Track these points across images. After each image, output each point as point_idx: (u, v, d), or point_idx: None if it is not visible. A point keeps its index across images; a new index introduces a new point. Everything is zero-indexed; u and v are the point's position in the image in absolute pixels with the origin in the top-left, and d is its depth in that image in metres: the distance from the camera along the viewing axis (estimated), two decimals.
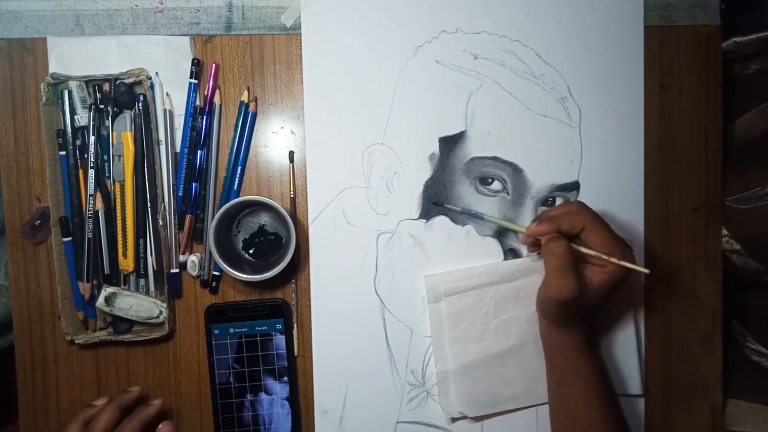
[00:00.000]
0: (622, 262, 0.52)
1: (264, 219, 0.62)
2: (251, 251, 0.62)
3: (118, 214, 0.59)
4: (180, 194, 0.60)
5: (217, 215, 0.56)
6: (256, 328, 0.61)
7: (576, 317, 0.56)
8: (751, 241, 0.61)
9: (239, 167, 0.61)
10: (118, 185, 0.59)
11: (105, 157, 0.59)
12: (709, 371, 0.64)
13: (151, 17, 0.61)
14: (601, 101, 0.62)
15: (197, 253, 0.61)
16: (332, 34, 0.61)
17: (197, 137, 0.60)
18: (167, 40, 0.60)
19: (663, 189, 0.63)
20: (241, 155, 0.61)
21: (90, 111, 0.58)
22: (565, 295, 0.53)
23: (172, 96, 0.60)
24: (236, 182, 0.61)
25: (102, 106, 0.59)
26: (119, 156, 0.58)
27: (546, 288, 0.55)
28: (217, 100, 0.60)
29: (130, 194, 0.59)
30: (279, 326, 0.61)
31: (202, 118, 0.60)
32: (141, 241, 0.59)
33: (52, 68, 0.60)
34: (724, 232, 0.63)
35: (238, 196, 0.61)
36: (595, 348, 0.58)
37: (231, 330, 0.61)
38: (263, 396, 0.61)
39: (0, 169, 0.61)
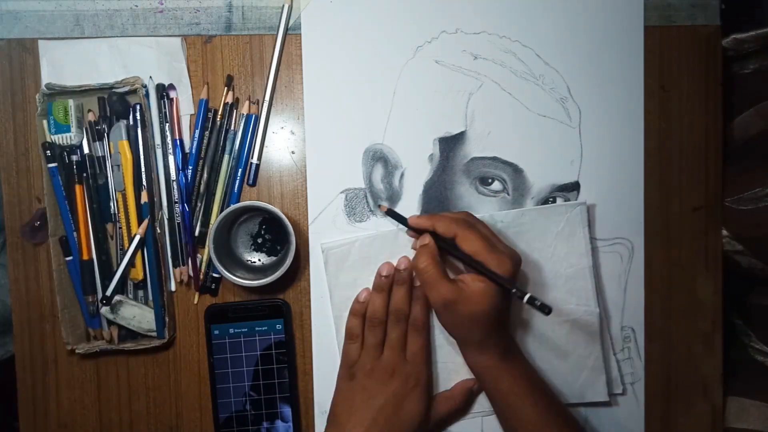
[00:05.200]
0: (489, 271, 0.51)
1: (265, 217, 0.62)
2: (256, 248, 0.62)
3: (123, 224, 0.59)
4: (184, 196, 0.60)
5: (216, 222, 0.56)
6: (256, 329, 0.61)
7: (473, 333, 0.54)
8: (753, 241, 0.61)
9: (239, 169, 0.61)
10: (120, 195, 0.59)
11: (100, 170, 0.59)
12: (709, 371, 0.64)
13: (150, 17, 0.61)
14: (601, 101, 0.62)
15: (197, 255, 0.61)
16: (332, 34, 0.61)
17: (207, 147, 0.60)
18: (159, 41, 0.60)
19: (663, 189, 0.63)
20: (242, 158, 0.61)
21: (86, 134, 0.59)
22: (438, 302, 0.53)
23: (165, 97, 0.59)
24: (236, 185, 0.61)
25: (99, 128, 0.59)
26: (118, 166, 0.58)
27: (428, 299, 0.55)
28: (244, 110, 0.61)
29: (133, 202, 0.58)
30: (279, 326, 0.61)
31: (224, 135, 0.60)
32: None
33: (44, 72, 0.60)
34: (725, 233, 0.63)
35: (238, 198, 0.61)
36: (517, 364, 0.56)
37: (231, 330, 0.61)
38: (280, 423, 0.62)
39: (0, 170, 0.61)
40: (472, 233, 0.53)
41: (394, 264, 0.59)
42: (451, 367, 0.61)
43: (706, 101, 0.63)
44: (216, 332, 0.61)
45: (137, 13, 0.61)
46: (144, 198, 0.58)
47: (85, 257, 0.59)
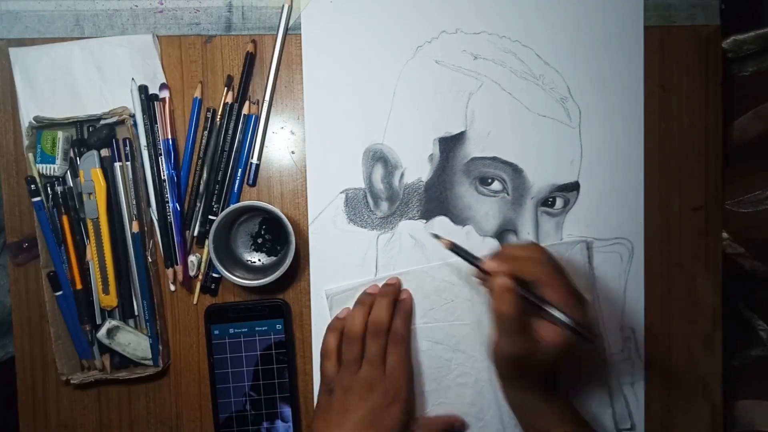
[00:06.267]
0: (570, 323, 0.47)
1: (265, 217, 0.62)
2: (256, 248, 0.62)
3: (94, 252, 0.59)
4: (175, 195, 0.60)
5: (216, 222, 0.56)
6: (256, 329, 0.61)
7: (528, 377, 0.52)
8: (755, 244, 0.61)
9: (239, 169, 0.61)
10: (91, 222, 0.58)
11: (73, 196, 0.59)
12: (709, 371, 0.64)
13: (150, 17, 0.61)
14: (601, 101, 0.62)
15: (196, 254, 0.61)
16: (332, 34, 0.61)
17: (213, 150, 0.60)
18: (130, 39, 0.60)
19: (663, 189, 0.63)
20: (242, 158, 0.61)
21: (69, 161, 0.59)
22: (509, 354, 0.50)
23: (154, 98, 0.60)
24: (236, 185, 0.61)
25: (71, 155, 0.59)
26: (89, 194, 0.58)
27: (494, 342, 0.51)
28: (244, 110, 0.61)
29: (106, 230, 0.58)
30: (279, 326, 0.61)
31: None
32: (124, 278, 0.59)
33: (18, 80, 0.59)
34: (726, 235, 0.63)
35: (238, 198, 0.61)
36: (559, 404, 0.54)
37: (231, 330, 0.61)
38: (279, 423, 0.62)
39: (0, 170, 0.61)
40: (560, 280, 0.49)
41: None
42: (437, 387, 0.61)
43: (706, 101, 0.63)
44: (216, 332, 0.61)
45: (137, 13, 0.61)
46: (135, 228, 0.58)
47: (78, 287, 0.59)
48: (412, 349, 0.60)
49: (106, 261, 0.59)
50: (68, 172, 0.59)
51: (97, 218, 0.58)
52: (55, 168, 0.58)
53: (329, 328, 0.59)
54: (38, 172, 0.58)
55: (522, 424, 0.56)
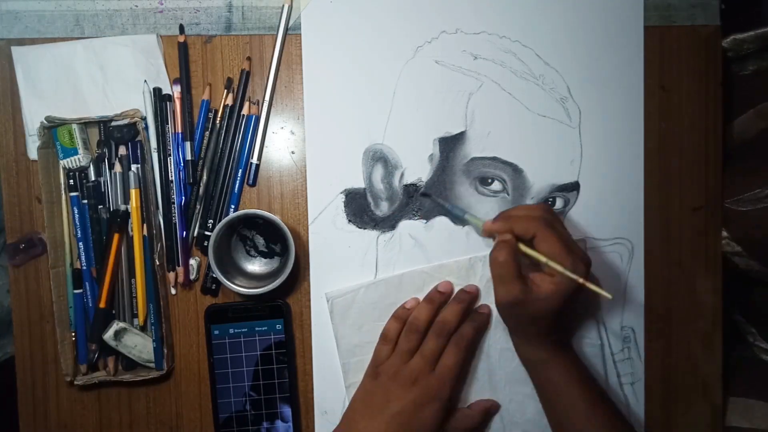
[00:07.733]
0: (566, 272, 0.50)
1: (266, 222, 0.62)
2: (256, 254, 0.62)
3: (124, 271, 0.59)
4: (182, 206, 0.60)
5: (216, 231, 0.56)
6: (256, 329, 0.61)
7: (532, 329, 0.56)
8: (751, 243, 0.61)
9: (240, 169, 0.61)
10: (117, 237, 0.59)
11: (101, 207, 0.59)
12: (709, 371, 0.64)
13: (150, 17, 0.61)
14: (601, 101, 0.62)
15: (195, 257, 0.61)
16: (332, 34, 0.61)
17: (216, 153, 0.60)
18: (134, 39, 0.60)
19: (663, 189, 0.63)
20: (242, 158, 0.61)
21: (106, 165, 0.59)
22: (507, 300, 0.53)
23: (167, 99, 0.60)
24: (236, 185, 0.61)
25: (105, 150, 0.59)
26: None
27: (494, 292, 0.55)
28: (244, 111, 0.61)
29: (139, 247, 0.58)
30: (279, 326, 0.61)
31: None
32: (133, 280, 0.59)
33: (20, 78, 0.59)
34: (725, 233, 0.63)
35: (239, 199, 0.61)
36: (569, 356, 0.58)
37: (231, 330, 0.61)
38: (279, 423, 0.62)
39: (0, 170, 0.61)
40: (551, 234, 0.52)
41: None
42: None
43: (706, 101, 0.63)
44: (216, 332, 0.61)
45: (137, 13, 0.61)
46: (144, 231, 0.58)
47: (102, 305, 0.58)
48: None
49: (138, 284, 0.59)
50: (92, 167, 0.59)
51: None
52: (80, 159, 0.58)
53: (394, 316, 0.60)
54: (64, 168, 0.58)
55: (533, 379, 0.59)
